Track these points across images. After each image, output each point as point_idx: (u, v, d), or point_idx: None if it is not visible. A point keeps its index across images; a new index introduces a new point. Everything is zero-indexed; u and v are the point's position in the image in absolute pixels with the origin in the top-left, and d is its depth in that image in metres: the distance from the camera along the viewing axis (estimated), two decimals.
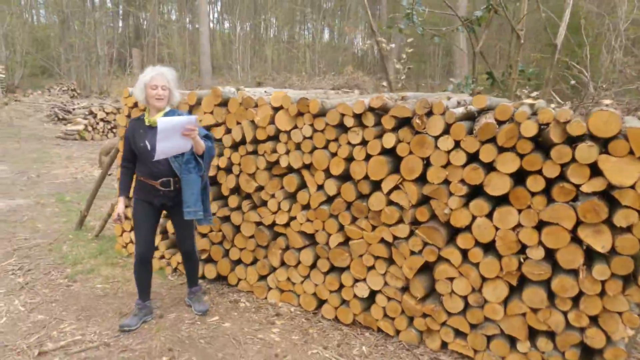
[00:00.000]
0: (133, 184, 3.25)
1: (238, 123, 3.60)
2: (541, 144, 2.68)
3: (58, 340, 2.95)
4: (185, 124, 2.82)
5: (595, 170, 2.49)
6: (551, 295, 2.69)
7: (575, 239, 2.59)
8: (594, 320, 2.62)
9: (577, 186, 2.53)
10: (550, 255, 2.68)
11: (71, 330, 3.10)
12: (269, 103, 3.44)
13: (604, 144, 2.48)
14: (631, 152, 2.39)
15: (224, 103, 3.69)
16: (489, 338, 2.87)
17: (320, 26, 30.36)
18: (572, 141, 2.54)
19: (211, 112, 3.74)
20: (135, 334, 3.08)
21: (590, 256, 2.63)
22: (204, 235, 3.94)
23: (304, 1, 30.62)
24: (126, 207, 3.34)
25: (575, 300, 2.64)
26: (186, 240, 3.34)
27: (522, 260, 2.71)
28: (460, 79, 4.78)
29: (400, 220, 3.05)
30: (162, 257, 4.20)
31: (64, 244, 4.74)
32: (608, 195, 2.51)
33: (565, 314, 2.67)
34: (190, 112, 3.82)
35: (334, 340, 3.14)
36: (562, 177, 2.58)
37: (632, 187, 2.40)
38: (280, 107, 3.39)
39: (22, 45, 25.82)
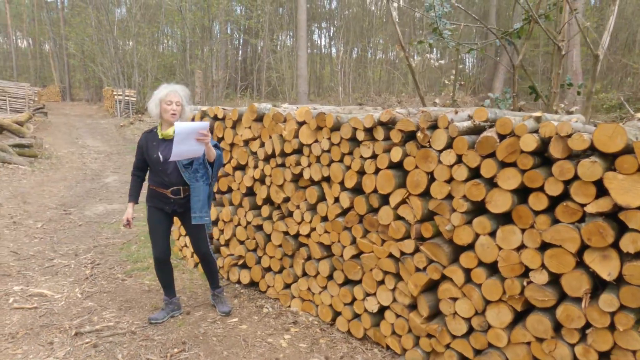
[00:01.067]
0: (145, 192, 3.50)
1: (270, 137, 3.82)
2: (548, 159, 2.50)
3: (95, 324, 3.36)
4: (199, 129, 3.03)
5: (602, 189, 2.26)
6: (559, 325, 2.46)
7: (582, 264, 2.36)
8: (605, 356, 2.35)
9: (583, 206, 2.32)
10: (557, 280, 2.46)
11: (109, 317, 3.50)
12: (295, 118, 3.61)
13: (612, 161, 2.26)
14: None
15: (260, 118, 3.93)
16: None
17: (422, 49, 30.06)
18: (578, 156, 2.34)
19: (249, 127, 4.01)
20: (160, 327, 3.38)
21: (603, 283, 2.37)
22: (241, 242, 4.19)
23: (410, 23, 30.68)
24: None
25: (585, 332, 2.39)
26: (200, 243, 3.53)
27: (524, 284, 2.53)
28: (500, 93, 4.50)
29: (407, 236, 3.00)
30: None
31: (135, 244, 5.31)
32: (617, 217, 2.26)
33: (572, 346, 2.42)
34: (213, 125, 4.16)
35: (340, 353, 3.15)
36: (568, 195, 2.38)
37: (638, 208, 2.14)
38: (304, 122, 3.54)
39: (152, 72, 29.36)
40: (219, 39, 29.40)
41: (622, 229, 2.25)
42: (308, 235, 3.64)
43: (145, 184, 3.51)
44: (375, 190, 3.13)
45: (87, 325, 3.33)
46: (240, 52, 35.35)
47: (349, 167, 3.28)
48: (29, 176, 9.59)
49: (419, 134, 2.84)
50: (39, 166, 10.74)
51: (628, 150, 2.19)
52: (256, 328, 3.44)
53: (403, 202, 3.00)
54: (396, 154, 2.98)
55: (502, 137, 2.58)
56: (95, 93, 34.76)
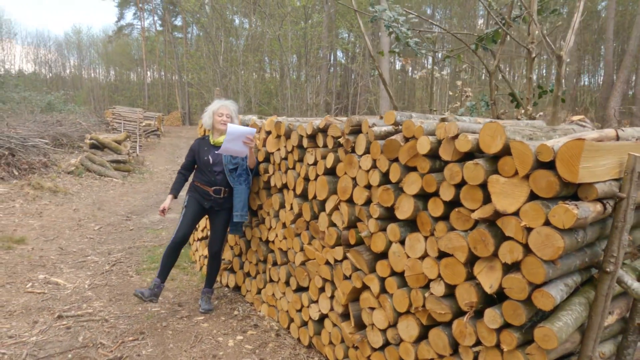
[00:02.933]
0: (187, 186, 3.98)
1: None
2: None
3: (79, 310, 3.76)
4: (247, 134, 3.48)
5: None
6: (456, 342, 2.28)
7: (472, 275, 2.17)
8: None
9: (472, 211, 2.15)
10: (453, 293, 2.29)
11: (96, 305, 3.89)
12: (264, 128, 3.77)
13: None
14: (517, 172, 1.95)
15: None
16: None
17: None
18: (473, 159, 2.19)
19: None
20: (129, 317, 3.69)
21: (500, 297, 2.15)
22: (231, 248, 4.40)
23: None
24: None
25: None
26: (217, 241, 3.87)
27: (425, 295, 2.38)
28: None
29: (339, 242, 2.97)
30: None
31: (162, 247, 5.78)
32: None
33: None
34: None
35: (279, 358, 3.17)
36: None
37: (516, 214, 1.94)
38: (269, 132, 3.69)
39: (255, 96, 31.44)
40: (312, 64, 30.60)
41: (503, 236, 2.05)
42: (273, 242, 3.74)
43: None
44: (314, 197, 3.16)
45: (73, 311, 3.75)
46: (338, 75, 36.33)
47: (299, 174, 3.35)
48: (118, 187, 10.83)
49: (342, 139, 2.83)
50: (130, 179, 12.07)
51: (508, 151, 2.01)
52: (215, 327, 3.59)
53: (335, 208, 2.99)
54: (330, 160, 2.99)
55: (407, 140, 2.49)
56: None
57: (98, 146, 12.76)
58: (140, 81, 50.54)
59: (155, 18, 47.17)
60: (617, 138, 2.22)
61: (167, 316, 3.75)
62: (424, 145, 2.33)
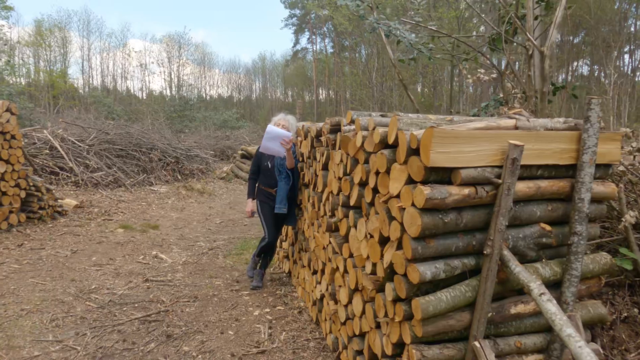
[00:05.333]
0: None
1: None
2: None
3: (162, 277, 4.79)
4: (282, 136, 4.08)
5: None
6: None
7: None
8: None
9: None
10: None
11: (177, 276, 4.88)
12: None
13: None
14: None
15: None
16: None
17: None
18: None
19: None
20: (194, 286, 4.56)
21: None
22: (287, 239, 5.03)
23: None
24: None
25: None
26: (273, 233, 4.50)
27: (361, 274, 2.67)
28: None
29: (330, 229, 3.37)
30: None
31: (254, 239, 6.69)
32: None
33: None
34: None
35: (289, 329, 3.67)
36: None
37: (398, 196, 2.18)
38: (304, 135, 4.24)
39: (412, 110, 31.82)
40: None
41: None
42: (304, 231, 4.25)
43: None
44: (320, 189, 3.60)
45: (159, 277, 4.79)
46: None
47: (315, 170, 3.82)
48: None
49: (322, 138, 3.25)
50: None
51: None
52: (253, 300, 4.24)
53: (327, 198, 3.39)
54: (323, 157, 3.42)
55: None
56: None
57: (247, 156, 14.66)
58: (311, 100, 54.89)
59: (327, 41, 51.02)
60: (516, 128, 2.21)
61: (222, 288, 4.54)
62: (359, 139, 2.65)
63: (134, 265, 5.21)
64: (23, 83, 38.83)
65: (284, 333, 3.58)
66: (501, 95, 3.80)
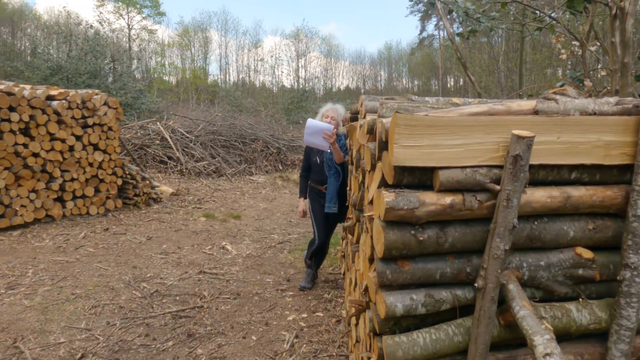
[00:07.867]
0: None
1: None
2: None
3: (217, 270, 4.73)
4: (324, 129, 3.74)
5: None
6: None
7: None
8: None
9: None
10: None
11: (232, 269, 4.79)
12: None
13: None
14: None
15: None
16: None
17: None
18: None
19: None
20: (243, 282, 4.42)
21: None
22: (344, 239, 4.64)
23: None
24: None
25: None
26: (324, 233, 4.24)
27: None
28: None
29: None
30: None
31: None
32: None
33: None
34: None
35: (316, 339, 3.33)
36: None
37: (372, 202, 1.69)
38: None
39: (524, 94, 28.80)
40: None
41: None
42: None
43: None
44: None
45: (214, 270, 4.75)
46: None
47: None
48: None
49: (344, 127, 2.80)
50: None
51: None
52: (295, 302, 3.95)
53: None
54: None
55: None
56: None
57: None
58: (436, 89, 52.75)
59: (456, 25, 48.50)
60: (535, 112, 1.52)
61: (269, 287, 4.33)
62: (358, 129, 2.18)
63: (197, 255, 5.26)
64: (174, 82, 43.42)
65: (308, 345, 3.23)
66: (579, 72, 2.91)
